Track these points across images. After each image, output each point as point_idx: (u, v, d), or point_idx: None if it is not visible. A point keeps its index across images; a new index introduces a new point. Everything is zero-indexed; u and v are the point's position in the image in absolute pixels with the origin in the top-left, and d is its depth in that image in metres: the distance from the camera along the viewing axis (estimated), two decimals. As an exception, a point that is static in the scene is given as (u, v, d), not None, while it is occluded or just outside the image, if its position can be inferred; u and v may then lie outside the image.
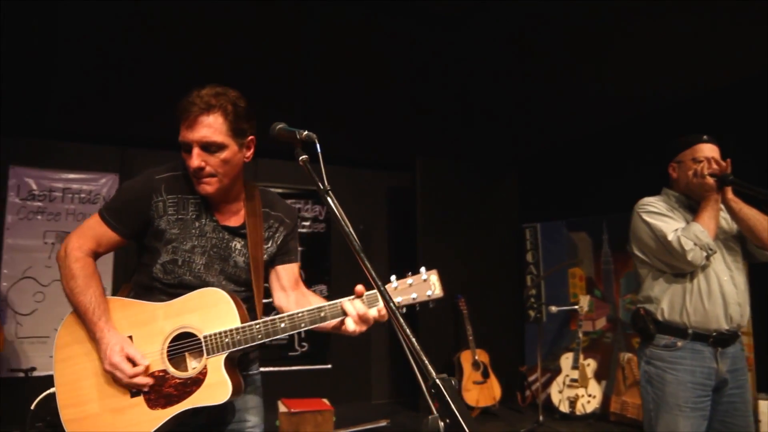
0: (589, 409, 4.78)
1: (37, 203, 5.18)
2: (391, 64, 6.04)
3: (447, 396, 0.95)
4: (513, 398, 5.50)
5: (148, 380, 1.55)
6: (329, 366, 5.68)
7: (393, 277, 1.52)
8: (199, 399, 1.53)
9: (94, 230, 1.67)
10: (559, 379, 4.97)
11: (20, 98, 4.89)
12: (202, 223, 1.67)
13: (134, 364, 1.55)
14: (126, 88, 5.18)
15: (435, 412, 0.97)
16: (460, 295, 5.37)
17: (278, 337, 1.58)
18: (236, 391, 1.56)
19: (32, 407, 1.60)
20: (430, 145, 6.03)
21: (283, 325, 1.55)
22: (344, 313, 1.54)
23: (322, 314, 1.54)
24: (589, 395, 4.81)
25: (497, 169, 6.11)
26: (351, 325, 1.52)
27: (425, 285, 1.52)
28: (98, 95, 5.13)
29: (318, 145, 1.43)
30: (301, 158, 1.43)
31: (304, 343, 5.65)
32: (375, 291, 1.50)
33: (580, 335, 4.95)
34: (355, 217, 5.93)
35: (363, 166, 6.11)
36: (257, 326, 1.56)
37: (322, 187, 1.39)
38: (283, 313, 1.59)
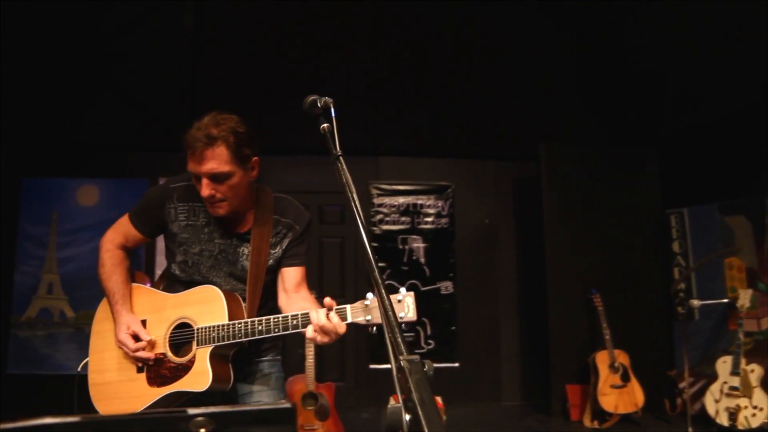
0: (755, 423, 4.12)
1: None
2: (504, 47, 5.73)
3: (410, 381, 0.81)
4: (659, 406, 4.93)
5: (150, 355, 1.76)
6: (457, 365, 5.55)
7: (369, 295, 1.56)
8: (184, 384, 1.72)
9: (124, 227, 1.93)
10: (716, 386, 4.34)
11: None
12: (211, 229, 1.86)
13: (138, 341, 1.76)
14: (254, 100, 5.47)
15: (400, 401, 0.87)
16: (595, 290, 4.93)
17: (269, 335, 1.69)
18: (218, 381, 1.70)
19: (78, 369, 1.87)
20: (554, 129, 5.63)
21: (260, 327, 1.66)
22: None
23: (294, 322, 1.63)
24: (755, 407, 4.14)
25: (634, 151, 5.53)
26: (309, 332, 1.57)
27: (399, 306, 1.54)
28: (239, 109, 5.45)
29: (333, 110, 1.44)
30: (322, 126, 1.43)
31: (431, 341, 5.58)
32: (344, 306, 1.59)
33: (741, 336, 4.28)
34: (481, 211, 5.79)
35: (486, 158, 5.90)
36: (239, 325, 1.69)
37: (334, 152, 1.38)
38: (282, 313, 1.74)
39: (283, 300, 1.88)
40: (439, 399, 3.72)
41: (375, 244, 5.71)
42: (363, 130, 5.59)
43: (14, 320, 5.12)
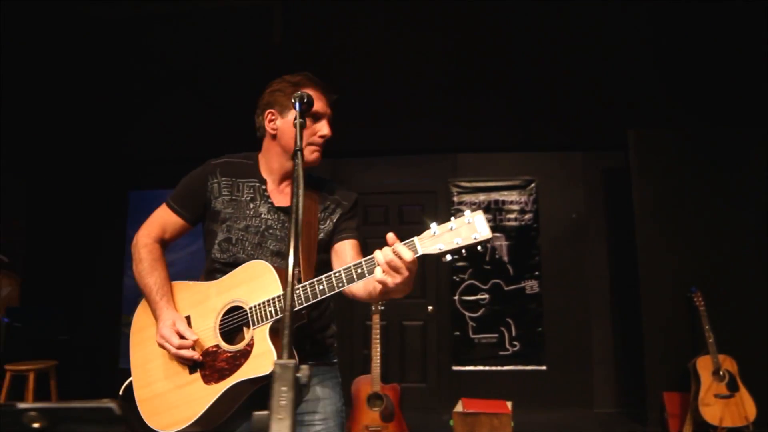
0: None
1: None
2: (582, 31, 5.35)
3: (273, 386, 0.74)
4: (778, 419, 4.35)
5: (194, 354, 1.59)
6: (544, 368, 5.28)
7: (433, 224, 1.37)
8: (247, 371, 1.53)
9: (161, 218, 1.79)
10: None
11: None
12: (257, 204, 1.74)
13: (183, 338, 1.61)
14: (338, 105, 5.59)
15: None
16: (696, 288, 4.46)
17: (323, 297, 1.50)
18: None
19: (120, 393, 1.68)
20: (644, 114, 5.16)
21: (321, 286, 1.49)
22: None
23: (359, 270, 1.44)
24: None
25: (737, 133, 4.91)
26: (378, 274, 1.38)
27: (469, 228, 1.33)
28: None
29: (299, 104, 1.45)
30: (294, 119, 1.45)
31: (516, 342, 5.36)
32: (411, 239, 1.38)
33: None
34: (567, 205, 5.48)
35: (571, 149, 5.56)
36: (297, 292, 1.51)
37: (296, 145, 1.35)
38: (349, 297, 1.61)
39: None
40: (508, 404, 3.56)
41: (455, 243, 5.59)
42: (440, 127, 5.52)
43: (125, 320, 5.64)
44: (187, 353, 1.59)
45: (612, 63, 5.26)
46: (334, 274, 1.48)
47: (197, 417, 1.56)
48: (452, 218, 1.36)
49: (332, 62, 5.73)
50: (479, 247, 1.33)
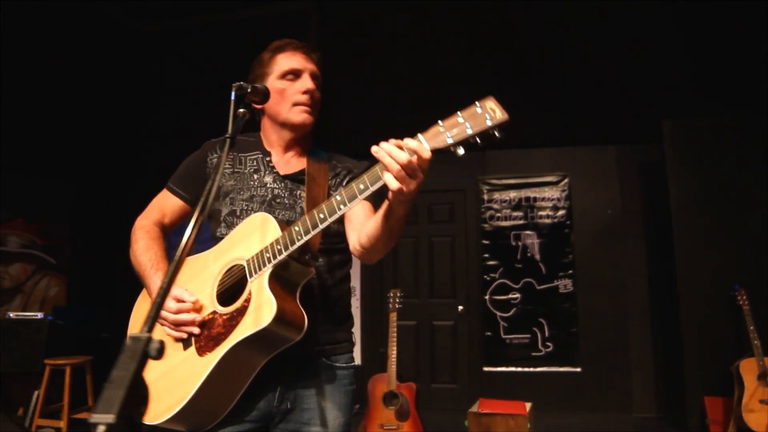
0: None
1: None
2: (612, 23, 5.14)
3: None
4: (834, 428, 4.01)
5: (195, 316, 1.41)
6: (578, 369, 5.09)
7: (438, 122, 1.18)
8: (244, 328, 1.32)
9: (159, 201, 1.69)
10: None
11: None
12: (261, 174, 1.63)
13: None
14: (362, 105, 5.59)
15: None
16: (739, 286, 4.18)
17: (323, 226, 1.31)
18: (285, 319, 1.31)
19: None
20: (680, 104, 4.90)
21: (321, 215, 1.31)
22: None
23: (362, 186, 1.24)
24: None
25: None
26: (390, 181, 1.17)
27: (481, 115, 1.14)
28: (344, 115, 5.59)
29: (233, 94, 1.33)
30: (239, 110, 1.33)
31: (549, 343, 5.19)
32: (416, 135, 1.18)
33: None
34: (601, 201, 5.28)
35: (604, 142, 5.35)
36: (296, 228, 1.34)
37: (228, 133, 1.26)
38: (366, 250, 1.43)
39: (353, 237, 1.52)
40: (527, 405, 3.43)
41: (486, 242, 5.49)
42: (468, 124, 5.43)
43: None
44: (188, 317, 1.41)
45: (644, 51, 5.04)
46: (335, 197, 1.29)
47: (189, 398, 1.32)
48: (458, 111, 1.17)
49: (366, 63, 5.75)
50: (496, 132, 1.14)
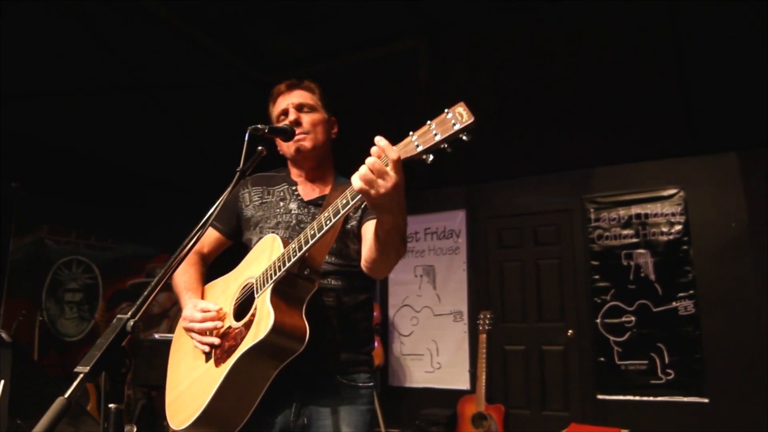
0: None
1: (408, 244, 6.19)
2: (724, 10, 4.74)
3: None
4: None
5: (218, 323, 1.56)
6: (706, 400, 4.61)
7: (410, 132, 1.28)
8: (247, 340, 1.44)
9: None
10: None
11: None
12: (287, 202, 1.78)
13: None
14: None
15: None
16: None
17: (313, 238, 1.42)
18: (282, 326, 1.41)
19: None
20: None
21: (312, 231, 1.43)
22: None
23: (344, 201, 1.35)
24: None
25: None
26: (357, 182, 1.24)
27: (449, 120, 1.20)
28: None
29: (247, 135, 1.49)
30: (258, 148, 1.52)
31: (669, 370, 4.79)
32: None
33: None
34: (723, 214, 4.91)
35: (724, 149, 4.90)
36: (293, 245, 1.47)
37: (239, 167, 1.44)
38: (369, 265, 1.54)
39: (362, 254, 1.61)
40: None
41: (595, 262, 5.26)
42: (569, 142, 5.31)
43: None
44: (211, 324, 1.56)
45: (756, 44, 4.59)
46: (323, 214, 1.40)
47: (204, 406, 1.43)
48: (428, 121, 1.25)
49: (477, 93, 5.86)
50: (464, 136, 1.20)
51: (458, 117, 1.19)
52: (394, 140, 1.29)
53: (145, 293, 1.16)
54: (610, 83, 5.17)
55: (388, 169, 1.22)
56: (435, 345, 5.82)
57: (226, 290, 1.68)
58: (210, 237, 1.87)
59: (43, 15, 4.29)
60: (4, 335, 1.23)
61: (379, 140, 1.25)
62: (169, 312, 6.04)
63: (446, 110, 1.22)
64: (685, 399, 4.68)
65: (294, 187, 1.81)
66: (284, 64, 6.23)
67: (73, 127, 4.95)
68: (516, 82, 5.56)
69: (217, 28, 5.31)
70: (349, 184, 1.51)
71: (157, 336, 5.46)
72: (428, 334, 5.89)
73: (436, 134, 1.21)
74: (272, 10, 5.14)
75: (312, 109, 1.79)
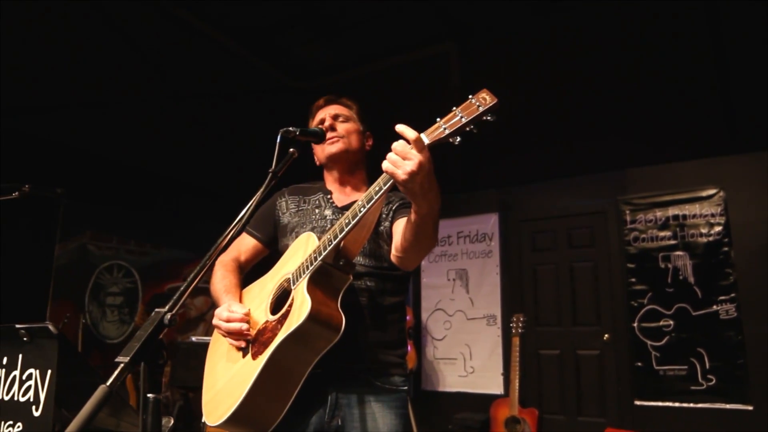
0: None
1: (441, 248, 6.20)
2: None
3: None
4: None
5: (242, 325, 1.56)
6: (750, 408, 4.47)
7: (438, 118, 1.33)
8: (285, 329, 1.45)
9: (237, 242, 1.90)
10: None
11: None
12: (322, 209, 1.83)
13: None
14: (499, 137, 5.69)
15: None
16: None
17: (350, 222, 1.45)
18: (318, 313, 1.43)
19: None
20: None
21: (346, 220, 1.45)
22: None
23: (377, 188, 1.38)
24: None
25: None
26: (385, 164, 1.31)
27: (473, 104, 1.28)
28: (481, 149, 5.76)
29: (279, 137, 1.54)
30: (290, 149, 1.56)
31: (710, 376, 4.65)
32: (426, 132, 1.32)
33: None
34: (766, 214, 4.67)
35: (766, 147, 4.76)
36: (327, 235, 1.51)
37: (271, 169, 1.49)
38: (400, 254, 1.58)
39: (393, 246, 1.65)
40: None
41: (631, 265, 5.16)
42: (603, 143, 5.24)
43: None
44: (234, 326, 1.56)
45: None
46: (357, 203, 1.44)
47: (241, 398, 1.42)
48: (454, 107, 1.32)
49: (505, 94, 5.81)
50: (489, 117, 1.27)
51: (482, 100, 1.27)
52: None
53: (182, 287, 1.22)
54: (646, 82, 5.07)
55: (410, 148, 1.28)
56: (468, 349, 5.79)
57: (263, 290, 1.72)
58: (247, 245, 1.91)
59: (86, 30, 4.46)
60: (51, 327, 1.30)
61: (398, 126, 1.31)
62: (206, 315, 6.16)
63: (470, 96, 1.30)
64: (728, 406, 4.54)
65: (329, 195, 1.86)
66: (316, 71, 6.31)
67: (114, 136, 5.13)
68: (549, 83, 5.51)
69: (250, 38, 5.42)
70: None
71: (194, 338, 5.59)
72: (461, 338, 5.86)
73: (462, 117, 1.28)
74: (303, 18, 5.22)
75: (347, 119, 1.88)
